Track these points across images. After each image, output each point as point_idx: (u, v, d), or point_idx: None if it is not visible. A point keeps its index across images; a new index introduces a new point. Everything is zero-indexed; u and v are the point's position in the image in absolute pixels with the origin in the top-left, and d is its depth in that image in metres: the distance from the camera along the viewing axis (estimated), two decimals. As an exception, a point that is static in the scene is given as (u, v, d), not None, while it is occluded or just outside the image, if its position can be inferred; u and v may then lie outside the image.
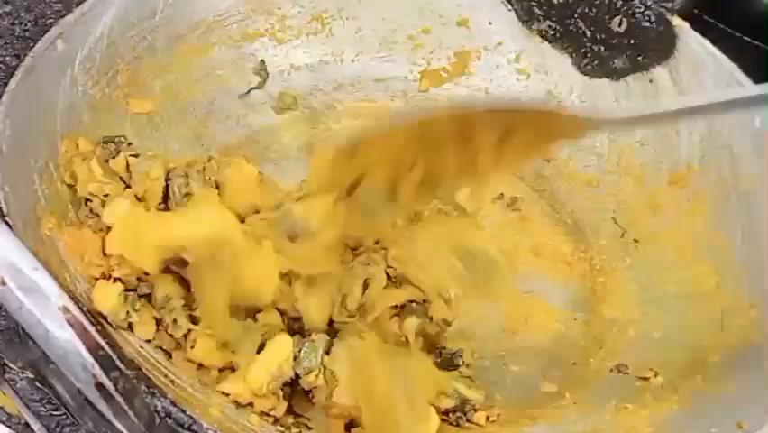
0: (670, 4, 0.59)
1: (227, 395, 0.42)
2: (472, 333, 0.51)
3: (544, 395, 0.48)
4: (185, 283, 0.44)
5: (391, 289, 0.47)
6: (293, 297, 0.45)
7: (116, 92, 0.54)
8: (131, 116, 0.55)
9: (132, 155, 0.49)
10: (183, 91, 0.59)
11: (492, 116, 0.41)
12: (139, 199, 0.47)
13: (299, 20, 0.64)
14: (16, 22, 0.62)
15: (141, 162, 0.48)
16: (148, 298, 0.44)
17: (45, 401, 0.41)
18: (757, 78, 0.52)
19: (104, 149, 0.49)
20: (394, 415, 0.41)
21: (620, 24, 0.59)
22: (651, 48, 0.58)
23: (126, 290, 0.43)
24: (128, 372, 0.36)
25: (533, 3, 0.63)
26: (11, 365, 0.42)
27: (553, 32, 0.63)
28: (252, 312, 0.45)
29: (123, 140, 0.50)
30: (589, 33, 0.61)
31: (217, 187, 0.49)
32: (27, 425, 0.40)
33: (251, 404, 0.42)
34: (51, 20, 0.62)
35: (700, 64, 0.55)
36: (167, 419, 0.37)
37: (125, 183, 0.48)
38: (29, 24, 0.62)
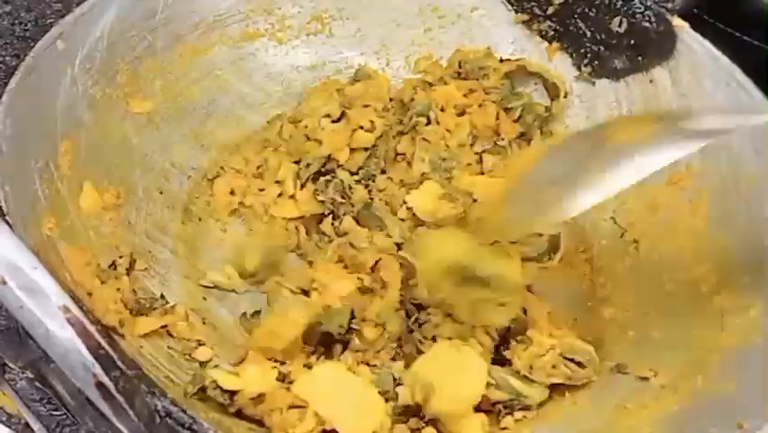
0: (670, 5, 0.59)
1: None
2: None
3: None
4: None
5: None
6: None
7: (116, 92, 0.54)
8: (131, 116, 0.55)
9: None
10: (183, 91, 0.59)
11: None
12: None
13: (299, 20, 0.64)
14: (16, 22, 0.62)
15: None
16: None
17: (45, 401, 0.41)
18: (757, 78, 0.52)
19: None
20: None
21: (620, 24, 0.59)
22: (651, 48, 0.58)
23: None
24: (129, 371, 0.36)
25: (533, 3, 0.63)
26: (11, 365, 0.42)
27: (553, 32, 0.63)
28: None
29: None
30: (589, 33, 0.61)
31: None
32: (27, 425, 0.41)
33: None
34: (51, 20, 0.62)
35: (700, 64, 0.55)
36: (167, 418, 0.37)
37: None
38: (29, 24, 0.62)
